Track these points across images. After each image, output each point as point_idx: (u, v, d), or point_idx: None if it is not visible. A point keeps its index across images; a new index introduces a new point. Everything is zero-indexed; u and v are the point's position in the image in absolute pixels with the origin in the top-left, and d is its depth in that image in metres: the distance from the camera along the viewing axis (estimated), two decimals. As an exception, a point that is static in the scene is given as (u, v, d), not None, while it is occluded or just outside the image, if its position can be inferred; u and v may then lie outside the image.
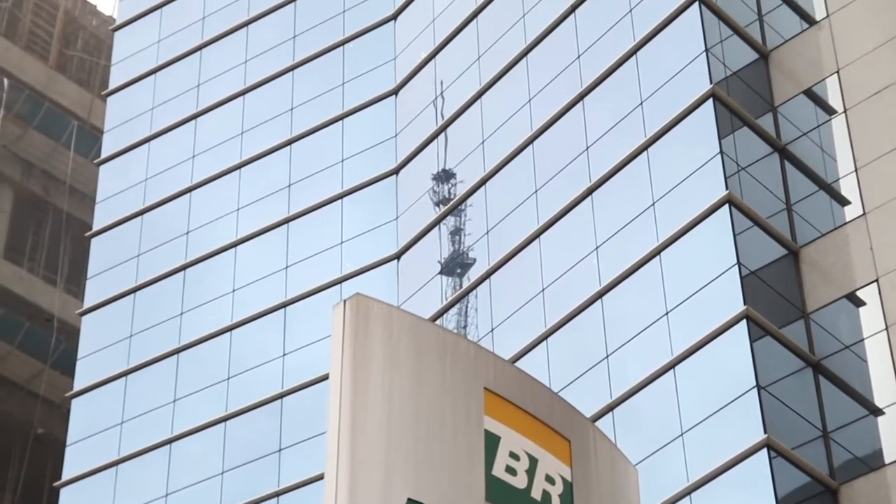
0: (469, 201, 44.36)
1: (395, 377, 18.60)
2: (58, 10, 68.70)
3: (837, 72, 37.76)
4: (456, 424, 18.64)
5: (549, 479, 19.30)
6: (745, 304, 34.37)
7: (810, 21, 39.34)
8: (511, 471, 18.99)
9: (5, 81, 63.07)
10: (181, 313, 49.72)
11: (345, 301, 19.13)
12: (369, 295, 19.93)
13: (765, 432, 32.66)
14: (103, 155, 55.09)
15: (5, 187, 64.17)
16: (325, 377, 42.01)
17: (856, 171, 36.32)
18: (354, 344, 18.55)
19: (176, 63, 55.11)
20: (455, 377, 18.90)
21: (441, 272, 44.34)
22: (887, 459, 32.90)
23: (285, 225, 49.06)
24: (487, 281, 42.37)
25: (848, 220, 36.09)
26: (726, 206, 35.87)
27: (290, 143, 50.48)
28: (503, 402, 19.10)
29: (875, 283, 34.67)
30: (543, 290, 40.20)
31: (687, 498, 33.74)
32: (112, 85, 56.63)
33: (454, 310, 43.45)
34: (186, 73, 54.57)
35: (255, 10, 54.14)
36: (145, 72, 55.66)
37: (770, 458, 32.53)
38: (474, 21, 46.85)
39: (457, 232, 44.67)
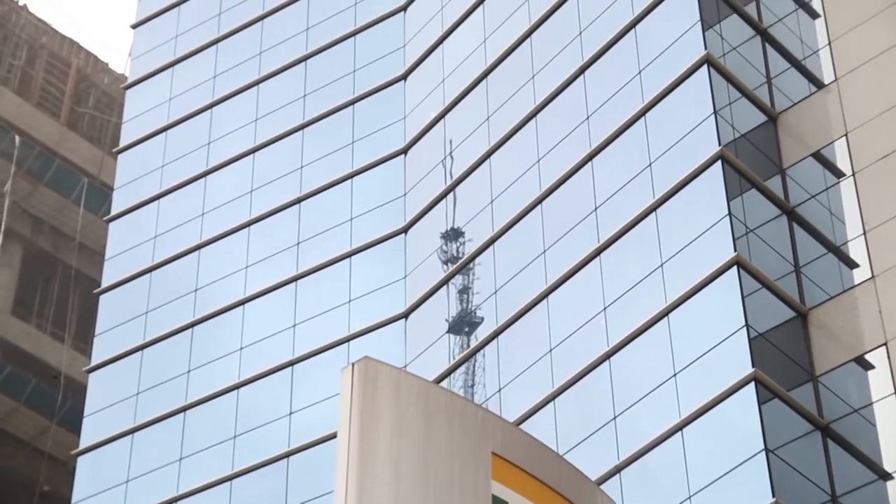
0: (477, 260, 44.41)
1: (403, 441, 18.58)
2: (70, 69, 69.13)
3: (846, 135, 37.89)
4: (463, 489, 18.60)
5: (557, 544, 19.22)
6: (753, 366, 34.32)
7: (818, 84, 39.51)
8: (518, 535, 18.92)
9: (17, 138, 63.39)
10: (188, 371, 49.70)
11: (353, 364, 19.16)
12: (377, 357, 19.96)
13: (773, 496, 32.54)
14: (113, 212, 55.24)
15: (15, 243, 64.33)
16: (333, 436, 42.04)
17: (864, 234, 36.36)
18: (362, 407, 18.54)
19: (187, 121, 55.36)
20: (463, 441, 18.88)
21: (449, 331, 44.33)
22: (896, 524, 32.78)
23: (293, 283, 49.11)
24: (495, 340, 42.36)
25: (856, 282, 36.10)
26: (735, 267, 35.88)
27: (299, 201, 50.61)
28: (511, 467, 19.06)
29: (884, 347, 34.63)
30: (551, 349, 40.17)
31: (695, 561, 33.59)
32: (123, 142, 56.87)
33: (462, 369, 43.41)
34: (197, 131, 54.80)
35: (266, 68, 54.43)
36: (156, 129, 55.91)
37: (779, 522, 32.43)
38: (484, 81, 47.07)
39: (465, 291, 44.69)
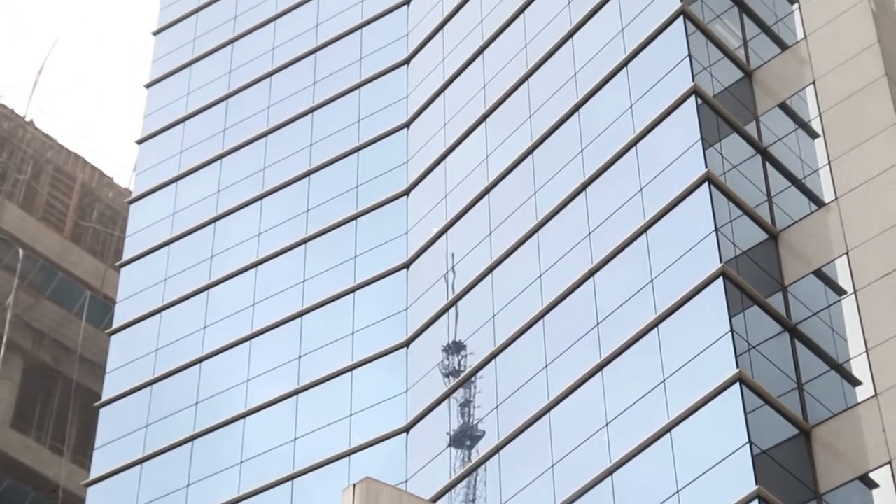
0: (479, 374, 44.42)
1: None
2: (75, 183, 69.59)
3: (847, 253, 38.11)
4: None
5: None
6: (756, 483, 34.24)
7: (819, 203, 39.81)
8: None
9: (20, 252, 63.63)
10: (188, 485, 49.47)
11: (354, 485, 19.19)
12: (379, 470, 20.00)
13: None
14: (115, 325, 55.31)
15: (16, 356, 64.29)
16: (334, 552, 41.73)
17: (867, 351, 36.46)
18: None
19: (190, 235, 55.60)
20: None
21: (450, 445, 44.22)
22: None
23: (295, 396, 49.05)
24: (497, 455, 42.24)
25: (860, 400, 36.11)
26: (737, 384, 35.92)
27: (301, 314, 50.70)
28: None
29: (888, 465, 34.56)
30: (553, 465, 40.06)
31: None
32: (126, 256, 57.09)
33: (463, 483, 43.26)
34: (200, 245, 55.01)
35: (269, 183, 54.80)
36: (159, 243, 56.14)
37: None
38: (486, 197, 47.38)
39: (466, 404, 44.64)
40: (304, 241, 52.39)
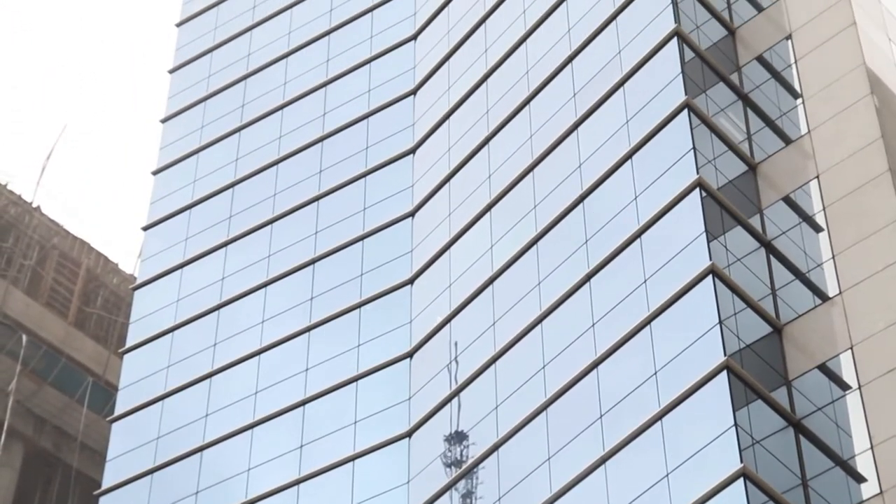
0: (482, 465, 44.16)
1: None
2: (80, 269, 69.70)
3: (851, 348, 37.98)
4: None
5: None
6: (761, 581, 33.92)
7: (823, 297, 39.72)
8: None
9: (24, 338, 63.59)
10: (188, 574, 49.15)
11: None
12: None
13: None
14: (117, 412, 55.10)
15: (16, 442, 64.05)
16: None
17: (871, 448, 36.20)
18: None
19: (193, 322, 55.54)
20: None
21: (452, 537, 43.91)
22: None
23: (296, 486, 48.75)
24: (499, 547, 41.95)
25: (865, 497, 35.82)
26: (741, 479, 35.65)
27: (303, 403, 50.51)
28: None
29: (893, 565, 34.27)
30: (556, 558, 39.81)
31: None
32: (129, 343, 56.99)
33: (465, 576, 42.92)
34: (203, 332, 54.94)
35: (274, 270, 54.83)
36: (163, 330, 56.05)
37: None
38: (490, 286, 47.35)
39: (468, 495, 44.36)
40: (308, 329, 52.30)
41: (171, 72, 65.92)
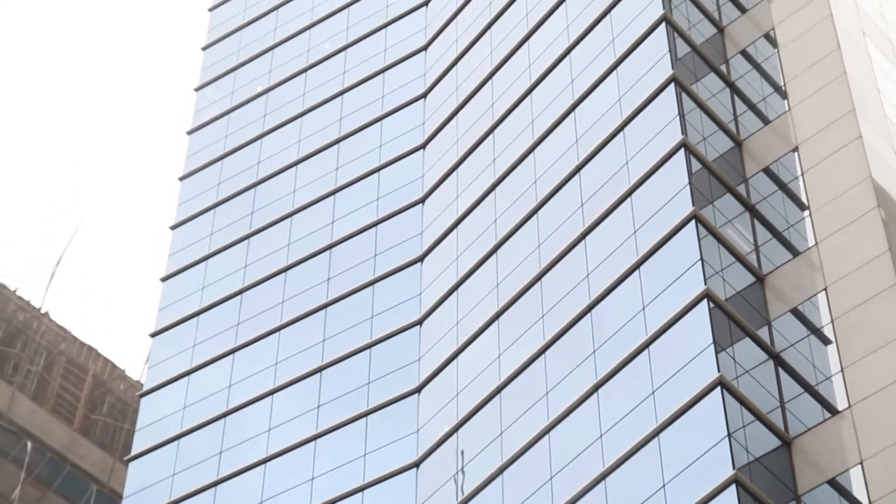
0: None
1: None
2: (87, 375, 69.66)
3: (861, 463, 37.70)
4: None
5: None
6: None
7: (832, 410, 39.52)
8: None
9: (28, 444, 63.38)
10: None
11: None
12: None
13: None
14: (121, 521, 54.84)
15: (20, 550, 63.73)
16: None
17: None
18: None
19: (200, 429, 55.35)
20: None
21: None
22: None
23: None
24: None
25: None
26: None
27: (310, 512, 50.26)
28: None
29: None
30: None
31: None
32: (135, 450, 56.76)
33: None
34: (210, 440, 54.72)
35: (281, 378, 54.73)
36: (169, 437, 55.84)
37: None
38: (498, 396, 47.20)
39: None
40: (315, 438, 52.07)
41: (181, 179, 66.31)
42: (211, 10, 74.62)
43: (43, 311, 71.09)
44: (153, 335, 60.48)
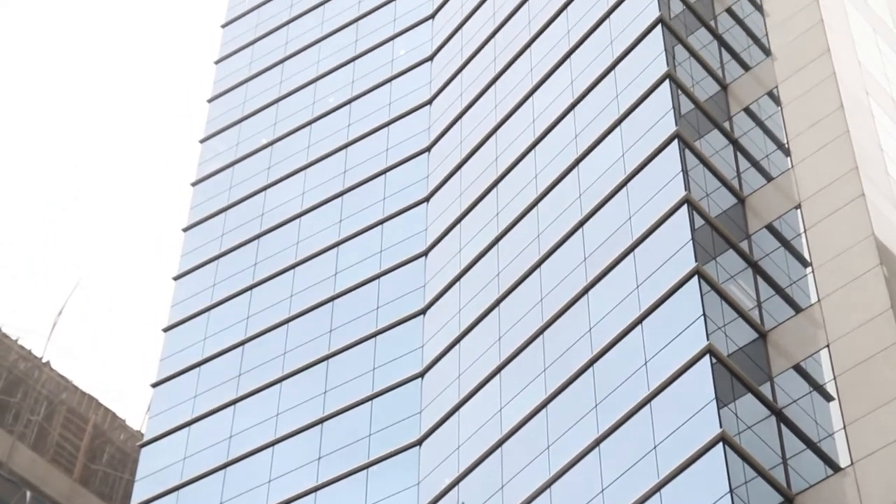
0: None
1: None
2: (87, 424, 69.57)
3: (864, 519, 37.72)
4: None
5: None
6: None
7: (835, 467, 39.49)
8: None
9: (28, 494, 63.23)
10: None
11: None
12: None
13: None
14: (120, 571, 54.66)
15: None
16: None
17: None
18: None
19: (199, 480, 55.25)
20: None
21: None
22: None
23: None
24: None
25: None
26: None
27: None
28: None
29: None
30: None
31: None
32: (134, 500, 56.61)
33: None
34: (210, 491, 54.61)
35: (282, 429, 54.69)
36: (168, 488, 55.74)
37: None
38: (499, 449, 47.17)
39: None
40: (315, 489, 51.98)
41: (185, 230, 66.47)
42: (217, 62, 75.05)
43: (44, 360, 71.11)
44: (154, 385, 60.46)
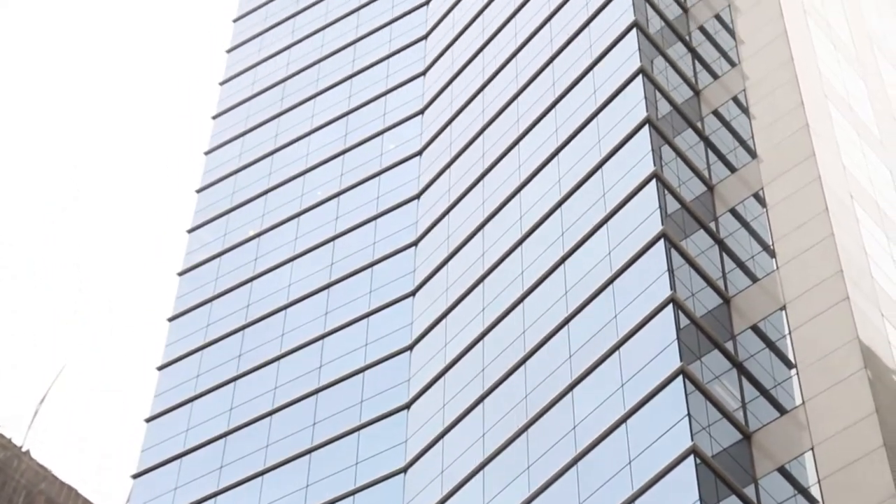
0: None
1: None
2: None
3: None
4: None
5: None
6: None
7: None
8: None
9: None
10: None
11: None
12: None
13: None
14: None
15: None
16: None
17: None
18: None
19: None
20: None
21: None
22: None
23: None
24: None
25: None
26: None
27: None
28: None
29: None
30: None
31: None
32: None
33: None
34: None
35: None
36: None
37: None
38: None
39: None
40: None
41: (170, 320, 66.41)
42: (207, 153, 75.36)
43: (24, 449, 70.66)
44: (135, 476, 60.10)
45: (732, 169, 51.62)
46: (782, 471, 42.04)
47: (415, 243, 60.83)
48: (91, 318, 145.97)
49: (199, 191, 72.88)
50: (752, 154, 51.20)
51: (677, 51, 56.35)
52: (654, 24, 56.26)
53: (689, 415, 41.86)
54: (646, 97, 51.70)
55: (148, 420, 62.01)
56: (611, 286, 47.98)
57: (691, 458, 40.93)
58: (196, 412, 60.48)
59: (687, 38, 57.77)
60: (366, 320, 59.01)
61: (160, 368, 64.22)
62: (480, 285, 55.24)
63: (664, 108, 52.52)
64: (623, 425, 43.97)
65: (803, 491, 41.35)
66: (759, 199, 49.42)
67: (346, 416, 55.87)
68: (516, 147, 58.27)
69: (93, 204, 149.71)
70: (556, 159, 55.04)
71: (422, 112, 67.02)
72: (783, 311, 45.39)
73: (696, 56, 56.98)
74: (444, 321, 56.05)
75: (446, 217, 60.16)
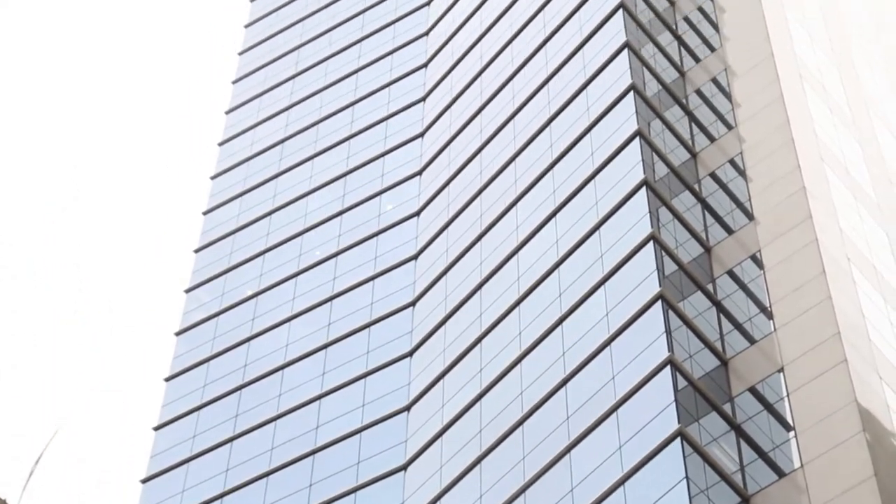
0: None
1: None
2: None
3: None
4: None
5: None
6: None
7: None
8: None
9: None
10: None
11: None
12: None
13: None
14: None
15: None
16: None
17: None
18: None
19: None
20: None
21: None
22: None
23: None
24: None
25: None
26: None
27: None
28: None
29: None
30: None
31: None
32: None
33: None
34: None
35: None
36: None
37: None
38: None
39: None
40: None
41: (167, 379, 66.35)
42: (205, 213, 75.54)
43: (3, 496, 70.24)
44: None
45: (730, 231, 51.78)
46: (781, 534, 41.97)
47: (412, 304, 60.87)
48: (91, 318, 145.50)
49: (196, 251, 72.99)
50: (749, 216, 51.37)
51: (674, 114, 56.66)
52: (652, 88, 56.60)
53: (687, 477, 41.77)
54: (643, 159, 51.95)
55: (144, 481, 61.81)
56: (608, 347, 48.01)
57: (689, 520, 40.83)
58: (192, 473, 60.32)
59: (684, 101, 58.10)
60: (363, 381, 58.96)
61: (156, 429, 64.03)
62: (478, 346, 55.25)
63: (661, 170, 52.75)
64: (621, 488, 43.87)
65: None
66: (757, 261, 49.55)
67: (343, 477, 55.86)
68: (514, 208, 58.45)
69: (93, 204, 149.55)
70: (553, 220, 55.20)
71: (420, 172, 67.27)
72: (781, 374, 45.41)
73: (693, 119, 57.28)
74: (441, 382, 56.00)
75: (444, 277, 60.25)
